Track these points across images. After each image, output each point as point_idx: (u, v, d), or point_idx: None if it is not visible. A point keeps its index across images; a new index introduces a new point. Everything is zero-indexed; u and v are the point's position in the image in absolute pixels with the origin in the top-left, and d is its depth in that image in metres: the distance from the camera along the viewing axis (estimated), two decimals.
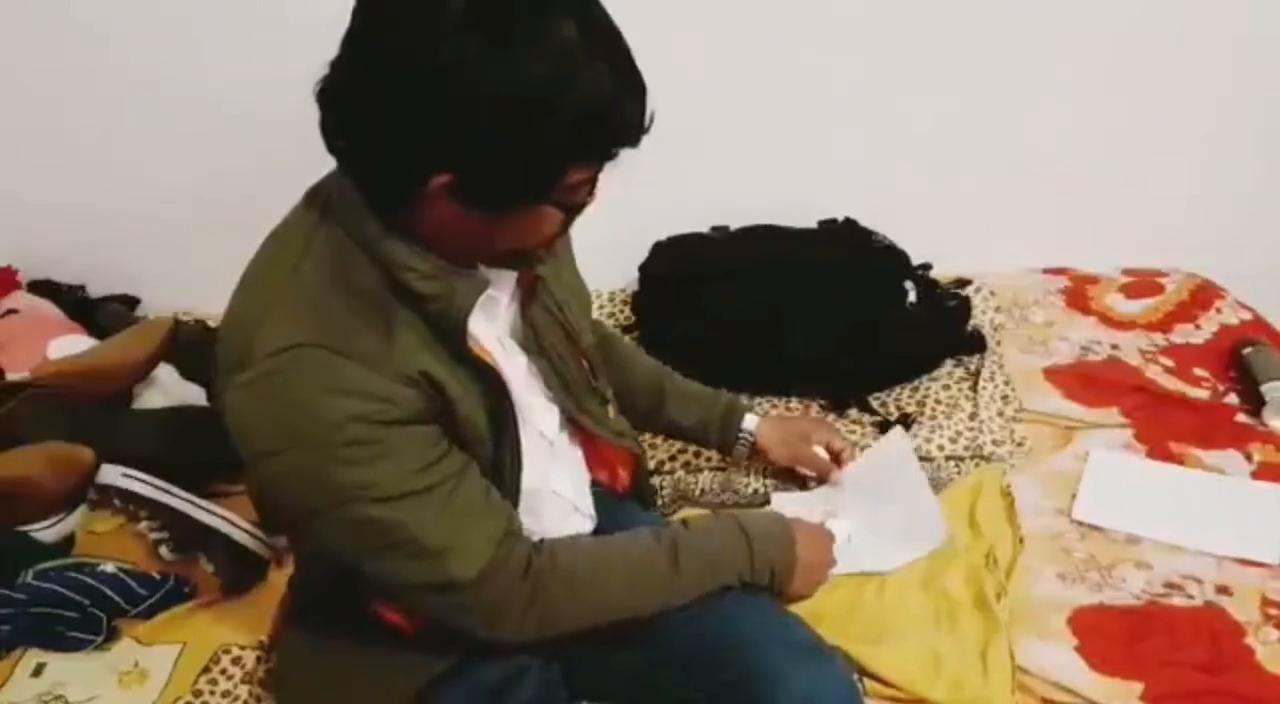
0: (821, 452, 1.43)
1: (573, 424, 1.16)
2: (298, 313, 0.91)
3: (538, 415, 1.10)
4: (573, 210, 0.94)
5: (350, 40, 0.88)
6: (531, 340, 1.08)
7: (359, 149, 0.91)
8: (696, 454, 1.55)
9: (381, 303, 0.93)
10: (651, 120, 0.91)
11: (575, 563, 1.05)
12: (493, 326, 1.04)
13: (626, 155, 0.91)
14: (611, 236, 1.40)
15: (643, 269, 1.82)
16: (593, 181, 0.93)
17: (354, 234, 0.93)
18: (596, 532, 1.21)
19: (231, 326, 0.95)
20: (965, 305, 1.76)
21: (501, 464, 1.03)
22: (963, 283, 1.86)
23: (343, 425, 0.88)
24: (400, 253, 0.92)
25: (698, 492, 1.51)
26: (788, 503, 1.44)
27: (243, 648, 1.31)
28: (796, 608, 1.19)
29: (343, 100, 0.89)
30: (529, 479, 1.06)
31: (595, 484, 1.24)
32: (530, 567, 1.01)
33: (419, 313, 0.94)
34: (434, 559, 0.95)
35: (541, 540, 1.06)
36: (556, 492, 1.15)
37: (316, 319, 0.90)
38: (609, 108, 0.87)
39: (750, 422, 1.42)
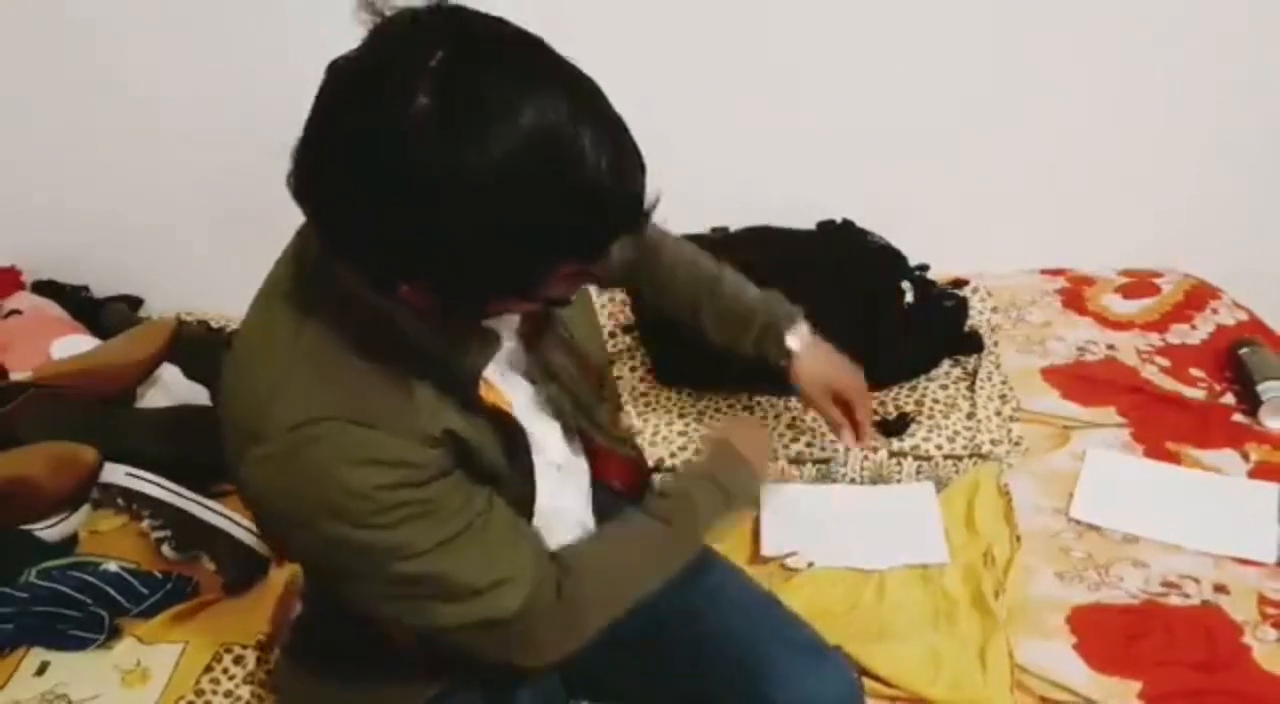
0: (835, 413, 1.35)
1: (582, 436, 1.14)
2: (311, 384, 0.86)
3: (548, 442, 1.07)
4: (562, 303, 0.89)
5: (312, 132, 0.80)
6: (538, 369, 1.04)
7: (328, 239, 0.84)
8: (697, 452, 1.56)
9: (390, 362, 0.88)
10: (655, 203, 0.83)
11: (595, 568, 1.03)
12: (496, 364, 0.99)
13: None
14: None
15: None
16: (584, 275, 0.87)
17: (351, 297, 0.87)
18: None
19: (238, 398, 0.90)
20: (962, 306, 1.77)
21: (520, 495, 1.01)
22: (960, 283, 1.87)
23: (370, 495, 0.85)
24: (402, 318, 0.87)
25: None
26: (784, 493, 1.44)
27: (245, 647, 1.31)
28: (797, 606, 1.19)
29: (306, 193, 0.81)
30: (541, 501, 1.04)
31: (600, 484, 1.24)
32: (561, 586, 0.98)
33: (426, 369, 0.90)
34: (478, 599, 0.92)
35: (553, 555, 1.03)
36: (568, 508, 1.13)
37: (331, 389, 0.86)
38: (599, 201, 0.78)
39: (792, 343, 1.32)
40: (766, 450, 1.26)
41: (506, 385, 1.01)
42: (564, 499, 1.11)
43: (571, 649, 1.01)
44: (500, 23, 0.80)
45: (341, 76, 0.79)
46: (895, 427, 1.58)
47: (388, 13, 0.81)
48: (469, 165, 0.74)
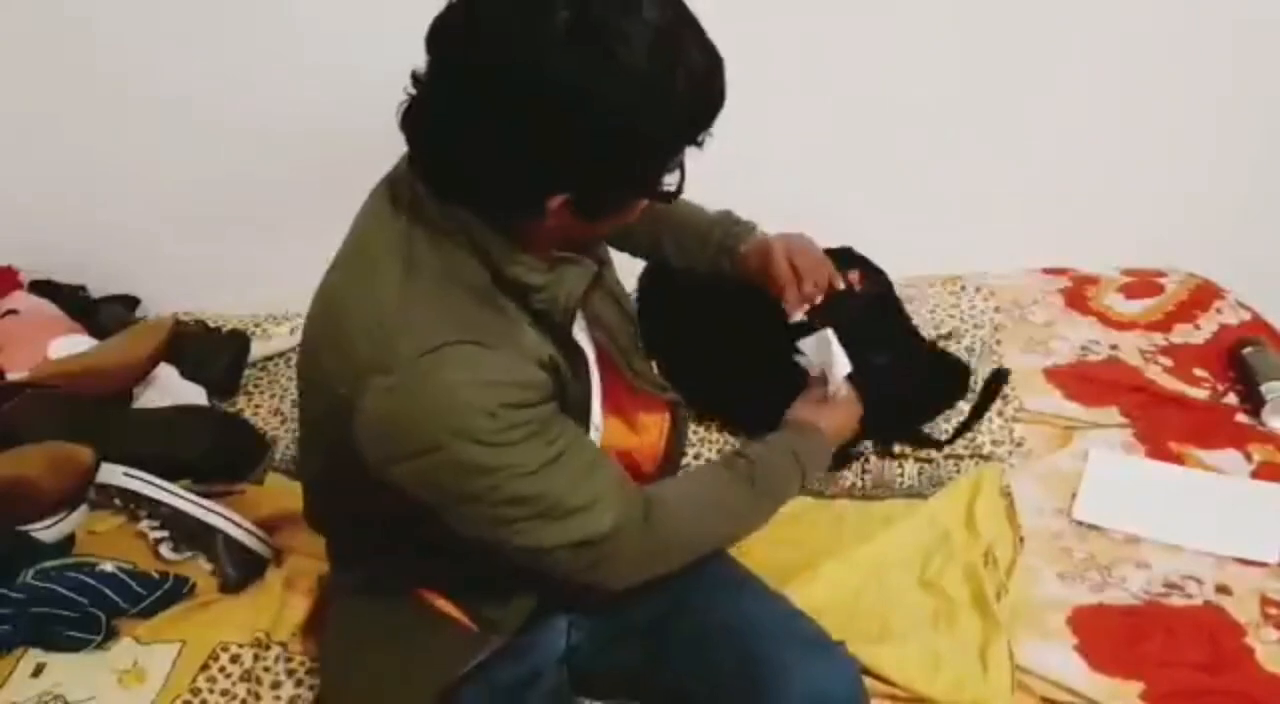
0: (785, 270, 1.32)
1: (620, 383, 1.18)
2: (432, 316, 0.92)
3: (594, 400, 1.12)
4: (669, 196, 0.97)
5: (443, 68, 0.88)
6: (592, 317, 1.11)
7: (463, 178, 0.92)
8: (695, 457, 1.56)
9: (495, 297, 0.96)
10: None
11: (679, 501, 1.08)
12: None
13: None
14: None
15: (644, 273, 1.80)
16: (683, 163, 0.96)
17: (454, 235, 0.95)
18: None
19: (353, 338, 0.94)
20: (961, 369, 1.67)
21: (582, 410, 1.08)
22: (945, 337, 1.75)
23: (495, 413, 0.91)
24: (508, 249, 0.95)
25: None
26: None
27: (241, 646, 1.31)
28: (800, 603, 1.19)
29: (440, 131, 0.90)
30: None
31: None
32: (648, 510, 1.04)
33: (524, 303, 0.98)
34: (577, 517, 0.97)
35: (641, 487, 1.08)
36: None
37: (453, 317, 0.93)
38: (710, 87, 0.89)
39: (744, 248, 1.33)
40: (849, 428, 1.29)
41: (579, 334, 1.07)
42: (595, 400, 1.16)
43: (652, 575, 1.06)
44: None
45: (464, 17, 0.87)
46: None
47: None
48: (615, 67, 0.83)
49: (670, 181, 0.95)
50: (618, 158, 0.88)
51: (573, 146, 0.87)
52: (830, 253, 1.42)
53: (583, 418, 1.07)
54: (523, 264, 0.96)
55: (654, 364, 1.29)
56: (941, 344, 1.73)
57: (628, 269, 1.81)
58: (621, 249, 1.36)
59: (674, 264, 1.38)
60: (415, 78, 0.91)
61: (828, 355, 1.28)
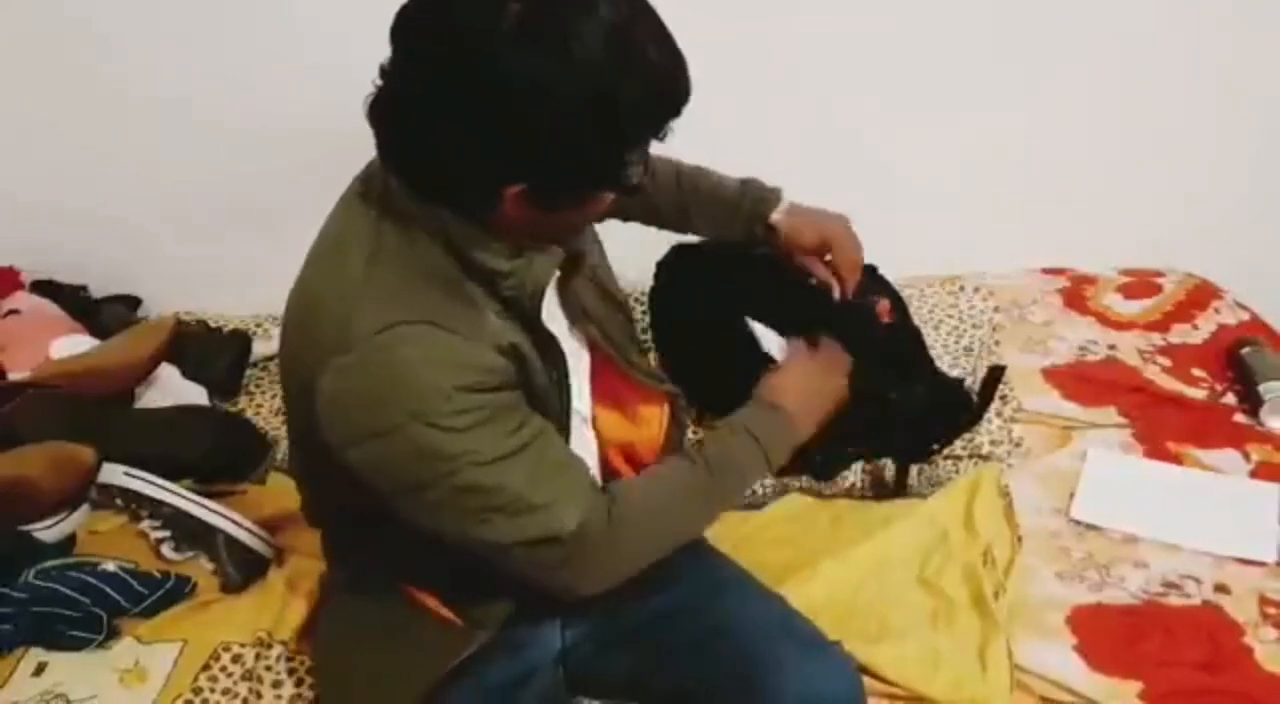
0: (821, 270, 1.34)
1: (616, 375, 1.18)
2: (391, 296, 0.93)
3: (575, 391, 1.11)
4: (632, 189, 0.96)
5: (403, 60, 0.90)
6: (576, 309, 1.11)
7: (423, 167, 0.93)
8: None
9: (462, 284, 0.97)
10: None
11: (641, 500, 1.07)
12: (549, 301, 1.06)
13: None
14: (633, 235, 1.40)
15: (660, 264, 1.80)
16: (648, 157, 0.96)
17: (422, 223, 0.96)
18: None
19: (317, 318, 0.95)
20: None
21: (562, 406, 1.07)
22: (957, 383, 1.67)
23: (450, 395, 0.91)
24: (475, 237, 0.96)
25: None
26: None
27: (243, 645, 1.31)
28: (797, 603, 1.19)
29: (400, 121, 0.91)
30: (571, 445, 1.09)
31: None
32: (610, 512, 1.02)
33: (492, 290, 0.98)
34: (537, 515, 0.96)
35: (604, 486, 1.08)
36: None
37: (411, 300, 0.93)
38: (666, 83, 0.90)
39: (775, 217, 1.33)
40: (825, 390, 1.22)
41: (552, 323, 1.06)
42: (584, 455, 1.14)
43: (618, 576, 1.05)
44: None
45: (421, 13, 0.89)
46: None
47: None
48: (567, 61, 0.84)
49: (634, 174, 0.95)
50: (570, 151, 0.89)
51: (523, 139, 0.87)
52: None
53: (559, 409, 1.06)
54: (490, 251, 0.96)
55: (652, 357, 1.28)
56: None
57: (631, 265, 1.83)
58: (650, 224, 1.37)
59: (705, 236, 1.39)
60: (381, 69, 0.92)
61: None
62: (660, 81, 0.89)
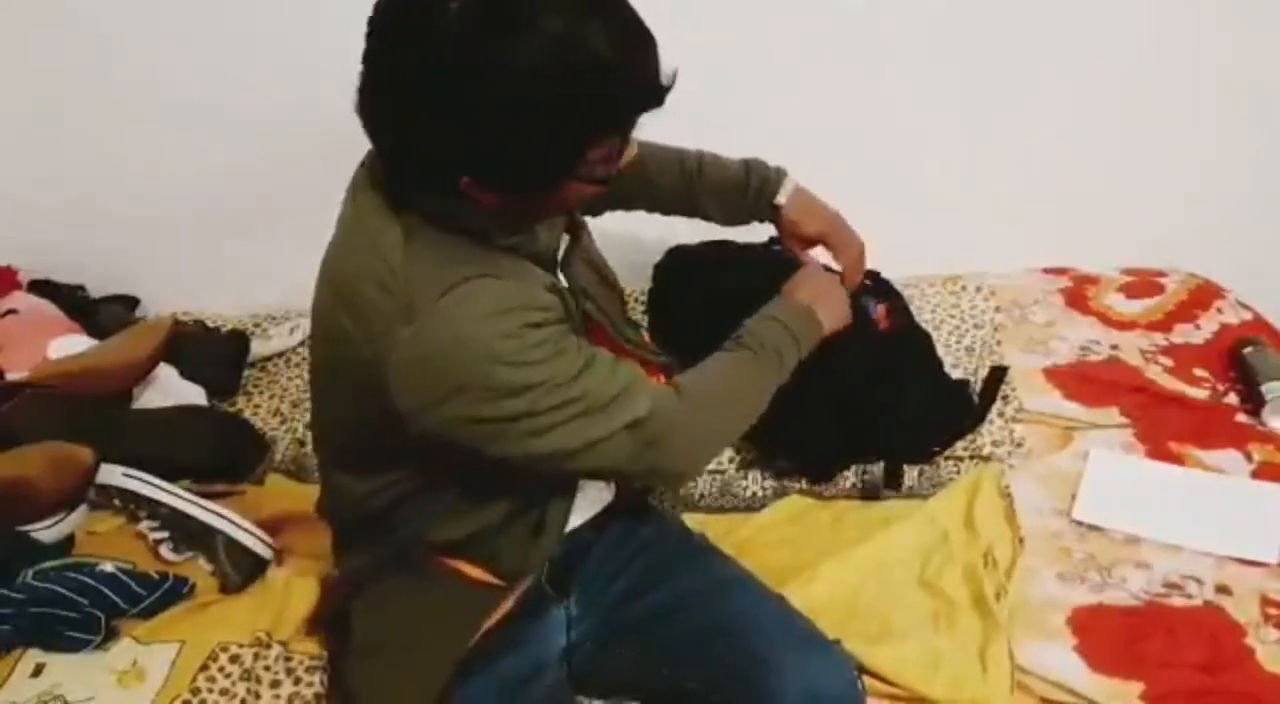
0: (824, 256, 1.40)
1: (613, 349, 1.19)
2: (441, 262, 0.97)
3: None
4: (604, 181, 0.98)
5: (365, 55, 0.92)
6: (576, 285, 1.13)
7: (394, 156, 0.97)
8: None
9: (491, 243, 1.01)
10: (673, 78, 0.93)
11: (702, 382, 1.14)
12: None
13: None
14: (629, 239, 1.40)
15: (657, 267, 1.80)
16: (618, 151, 0.97)
17: (428, 203, 0.98)
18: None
19: (373, 304, 0.97)
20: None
21: None
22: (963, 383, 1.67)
23: (521, 334, 0.96)
24: (476, 219, 0.99)
25: (696, 496, 1.52)
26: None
27: (241, 645, 1.31)
28: (798, 605, 1.20)
29: (366, 112, 0.94)
30: None
31: None
32: (680, 392, 1.10)
33: (515, 255, 1.03)
34: (616, 404, 1.02)
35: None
36: None
37: (461, 259, 0.98)
38: (613, 74, 0.88)
39: (780, 198, 1.37)
40: (833, 298, 1.31)
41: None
42: None
43: (698, 455, 1.14)
44: None
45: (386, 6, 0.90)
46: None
47: None
48: (502, 59, 0.85)
49: (598, 169, 0.96)
50: (516, 146, 0.90)
51: (467, 131, 0.89)
52: None
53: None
54: (491, 227, 1.00)
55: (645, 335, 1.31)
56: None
57: (628, 268, 1.83)
58: (654, 210, 1.40)
59: (719, 223, 1.41)
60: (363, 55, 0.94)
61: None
62: (614, 76, 0.88)
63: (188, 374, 1.72)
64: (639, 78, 0.91)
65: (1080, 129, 1.83)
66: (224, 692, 1.27)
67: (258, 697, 1.26)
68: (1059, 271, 1.92)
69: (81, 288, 1.96)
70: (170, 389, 1.69)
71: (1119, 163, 1.86)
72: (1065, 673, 1.22)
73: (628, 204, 1.39)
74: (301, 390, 1.78)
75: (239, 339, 1.83)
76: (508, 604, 1.16)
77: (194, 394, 1.70)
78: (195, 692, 1.27)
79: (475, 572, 1.15)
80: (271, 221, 1.91)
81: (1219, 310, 1.78)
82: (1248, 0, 1.73)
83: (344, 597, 1.23)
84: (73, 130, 1.86)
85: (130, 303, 1.99)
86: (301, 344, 1.88)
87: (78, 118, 1.85)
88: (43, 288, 1.92)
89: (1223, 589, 1.30)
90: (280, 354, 1.87)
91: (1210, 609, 1.28)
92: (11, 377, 1.64)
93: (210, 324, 1.90)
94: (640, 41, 0.91)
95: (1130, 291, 1.84)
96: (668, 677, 1.13)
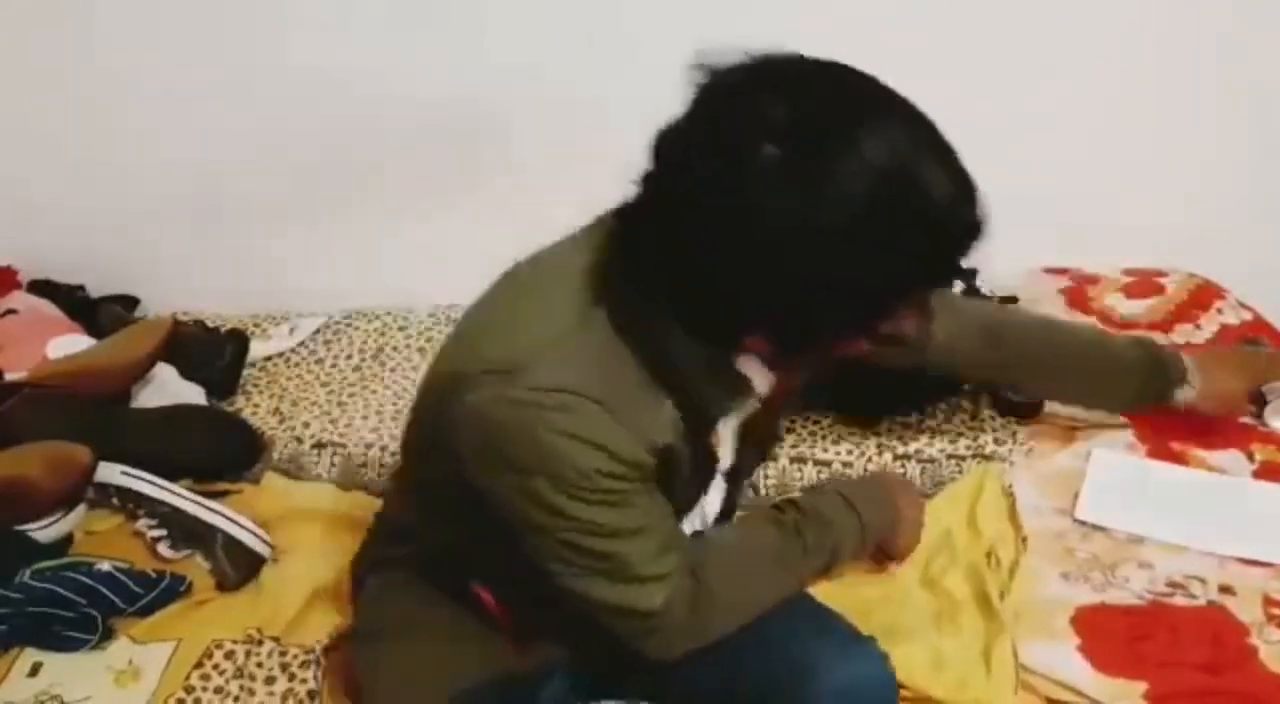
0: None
1: None
2: (577, 361, 0.92)
3: (724, 454, 1.11)
4: (898, 342, 0.93)
5: (653, 192, 0.87)
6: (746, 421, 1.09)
7: (667, 287, 0.90)
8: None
9: (650, 378, 0.94)
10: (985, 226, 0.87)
11: (727, 578, 1.06)
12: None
13: None
14: None
15: None
16: (926, 308, 0.92)
17: (645, 318, 0.93)
18: None
19: (502, 338, 0.95)
20: None
21: (685, 503, 1.08)
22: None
23: (592, 475, 0.91)
24: (692, 356, 0.93)
25: None
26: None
27: (235, 642, 1.31)
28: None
29: (652, 236, 0.88)
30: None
31: None
32: (695, 596, 1.03)
33: (677, 397, 0.95)
34: (631, 587, 0.98)
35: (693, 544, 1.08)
36: (707, 501, 1.16)
37: (599, 373, 0.92)
38: (947, 224, 0.84)
39: (1185, 396, 1.40)
40: (919, 515, 1.30)
41: (725, 432, 1.06)
42: (709, 503, 1.16)
43: (694, 648, 1.05)
44: (827, 64, 0.88)
45: (681, 136, 0.85)
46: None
47: (715, 70, 0.87)
48: (823, 211, 0.79)
49: (904, 326, 0.91)
50: (818, 300, 0.84)
51: (770, 282, 0.83)
52: None
53: (688, 504, 1.08)
54: (695, 368, 0.94)
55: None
56: None
57: None
58: (966, 379, 1.41)
59: (1085, 405, 1.45)
60: (643, 177, 0.89)
61: None
62: (938, 224, 0.83)
63: (187, 374, 1.72)
64: (960, 224, 0.86)
65: (1080, 129, 1.83)
66: (218, 689, 1.26)
67: (252, 693, 1.25)
68: (1060, 271, 1.92)
69: (81, 288, 1.96)
70: (169, 388, 1.68)
71: (1119, 163, 1.86)
72: (1069, 672, 1.21)
73: (923, 364, 1.34)
74: (301, 390, 1.78)
75: (238, 339, 1.83)
76: (510, 666, 1.14)
77: (193, 394, 1.70)
78: (189, 690, 1.26)
79: (498, 613, 1.14)
80: (272, 222, 1.91)
81: (1219, 311, 1.78)
82: (1248, 0, 1.73)
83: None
84: (72, 130, 1.86)
85: (130, 303, 1.98)
86: (301, 344, 1.88)
87: (77, 118, 1.85)
88: (42, 288, 1.92)
89: (1226, 589, 1.30)
90: (280, 354, 1.87)
91: (1214, 609, 1.27)
92: (10, 376, 1.64)
93: (210, 324, 1.89)
94: (969, 183, 0.86)
95: (1131, 291, 1.84)
96: (699, 680, 1.10)
